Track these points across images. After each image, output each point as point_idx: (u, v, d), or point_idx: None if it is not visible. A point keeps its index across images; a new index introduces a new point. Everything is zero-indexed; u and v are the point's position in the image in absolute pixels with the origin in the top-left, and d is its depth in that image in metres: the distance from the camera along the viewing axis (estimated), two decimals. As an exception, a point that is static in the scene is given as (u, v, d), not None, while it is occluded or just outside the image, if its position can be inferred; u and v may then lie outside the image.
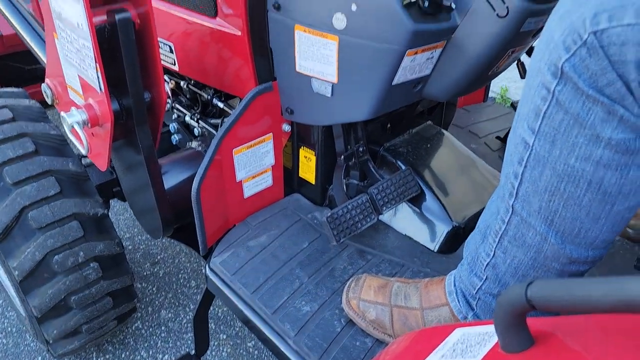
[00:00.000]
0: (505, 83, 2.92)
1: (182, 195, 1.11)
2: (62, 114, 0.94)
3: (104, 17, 0.88)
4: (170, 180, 1.15)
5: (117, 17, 0.85)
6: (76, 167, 1.20)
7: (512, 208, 0.69)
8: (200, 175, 1.02)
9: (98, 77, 0.88)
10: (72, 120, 0.92)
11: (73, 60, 0.93)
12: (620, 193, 0.60)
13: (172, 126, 1.50)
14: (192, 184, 1.03)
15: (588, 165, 0.58)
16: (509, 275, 0.74)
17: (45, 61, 1.26)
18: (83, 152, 0.98)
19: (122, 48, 0.88)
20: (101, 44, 0.86)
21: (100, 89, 0.89)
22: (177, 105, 1.47)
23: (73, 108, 0.94)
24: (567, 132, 0.58)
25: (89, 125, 0.94)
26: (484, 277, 0.78)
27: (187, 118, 1.42)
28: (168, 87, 1.43)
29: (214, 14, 1.09)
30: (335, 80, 0.96)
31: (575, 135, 0.58)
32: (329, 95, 0.98)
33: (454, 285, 0.86)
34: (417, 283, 0.92)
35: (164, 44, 1.25)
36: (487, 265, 0.77)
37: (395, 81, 0.93)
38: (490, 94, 2.90)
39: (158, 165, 1.04)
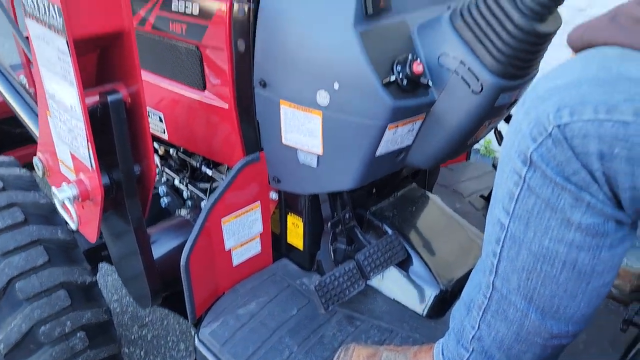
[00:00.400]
0: (489, 135, 2.99)
1: (171, 265, 1.12)
2: (54, 189, 0.96)
3: (97, 98, 0.92)
4: (159, 250, 1.16)
5: (109, 98, 0.89)
6: (65, 235, 1.21)
7: (493, 285, 0.71)
8: (190, 246, 1.03)
9: (90, 155, 0.90)
10: (63, 196, 0.94)
11: (65, 138, 0.96)
12: (594, 272, 0.62)
13: (161, 189, 1.52)
14: (181, 253, 1.04)
15: (562, 246, 0.61)
16: (495, 348, 0.76)
17: (37, 134, 1.29)
18: (73, 227, 0.99)
19: (113, 127, 0.91)
20: (93, 124, 0.89)
21: (92, 166, 0.91)
22: (166, 169, 1.49)
23: (64, 183, 0.95)
24: (540, 215, 0.61)
25: (80, 199, 0.96)
26: (471, 349, 0.79)
27: (176, 182, 1.44)
28: (158, 154, 1.46)
29: (203, 87, 1.13)
30: (320, 152, 0.99)
31: (547, 218, 0.61)
32: (315, 166, 1.01)
33: (442, 354, 0.86)
34: (406, 351, 0.92)
35: (154, 113, 1.29)
36: (472, 337, 0.78)
37: (379, 153, 0.97)
38: (475, 146, 2.96)
39: (147, 235, 1.05)
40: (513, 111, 0.66)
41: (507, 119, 1.20)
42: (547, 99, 0.57)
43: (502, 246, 0.67)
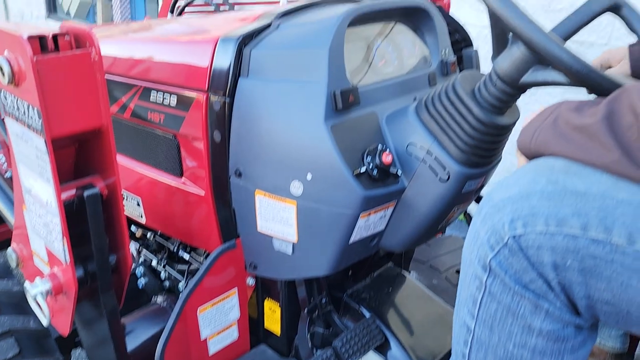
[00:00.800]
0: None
1: (145, 357, 1.09)
2: (26, 284, 0.95)
3: (73, 192, 0.93)
4: (134, 341, 1.14)
5: (85, 193, 0.90)
6: (37, 325, 1.18)
7: None
8: (165, 338, 1.02)
9: (64, 250, 0.90)
10: (35, 291, 0.93)
11: (40, 231, 0.96)
12: None
13: (139, 270, 1.50)
14: (156, 344, 1.03)
15: (525, 352, 0.62)
16: None
17: (11, 222, 1.29)
18: (44, 322, 0.97)
19: (89, 221, 0.91)
20: (69, 217, 0.90)
21: (66, 260, 0.91)
22: (144, 250, 1.49)
23: (37, 278, 0.95)
24: (502, 321, 0.62)
25: (53, 294, 0.95)
26: None
27: (154, 262, 1.44)
28: (135, 236, 1.45)
29: (180, 174, 1.15)
30: (295, 240, 1.01)
31: (510, 324, 0.62)
32: (290, 253, 1.03)
33: None
34: None
35: (132, 197, 1.30)
36: None
37: (352, 240, 0.99)
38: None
39: (121, 326, 1.04)
40: (475, 211, 0.69)
41: (478, 200, 1.24)
42: (502, 208, 0.60)
43: (470, 349, 0.68)
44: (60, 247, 0.91)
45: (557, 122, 0.63)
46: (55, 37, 0.82)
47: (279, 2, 1.78)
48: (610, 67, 1.02)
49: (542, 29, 0.71)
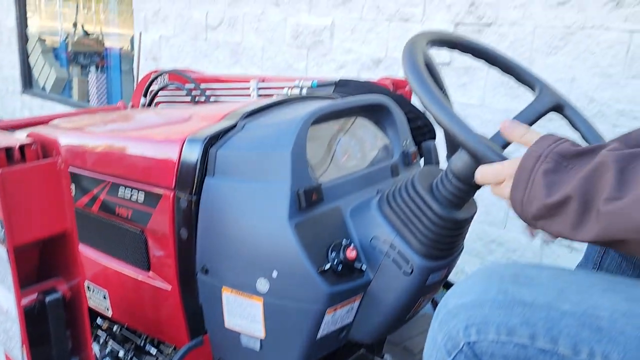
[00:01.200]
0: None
1: None
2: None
3: (35, 296, 0.92)
4: None
5: (47, 299, 0.89)
6: None
7: None
8: None
9: (23, 357, 0.88)
10: (-10, 402, 0.90)
11: (0, 337, 0.94)
12: None
13: (105, 362, 1.46)
14: None
15: None
16: None
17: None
18: None
19: (50, 326, 0.90)
20: (30, 322, 0.88)
21: (25, 368, 0.89)
22: (111, 340, 1.45)
23: (-7, 388, 0.92)
24: None
25: (9, 403, 0.92)
26: None
27: (121, 353, 1.40)
28: (101, 328, 1.42)
29: (147, 269, 1.14)
30: (262, 336, 1.00)
31: None
32: (258, 349, 1.02)
33: None
34: None
35: (98, 290, 1.28)
36: None
37: (320, 335, 0.98)
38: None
39: None
40: (432, 319, 0.71)
41: (447, 286, 1.25)
42: (456, 315, 0.62)
43: None
44: (19, 354, 0.89)
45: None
46: (22, 147, 0.83)
47: (249, 90, 1.85)
48: None
49: (471, 132, 0.75)
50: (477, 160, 0.77)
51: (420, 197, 0.93)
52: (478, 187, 0.89)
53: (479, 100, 2.50)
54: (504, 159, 0.72)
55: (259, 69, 3.33)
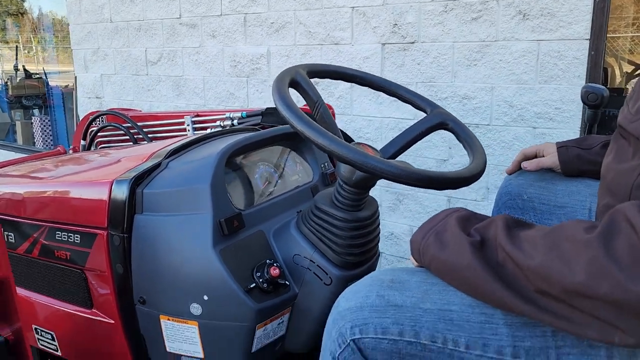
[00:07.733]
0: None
1: None
2: None
3: (-23, 342, 0.97)
4: None
5: (-11, 344, 0.94)
6: None
7: None
8: None
9: (-31, 403, 0.93)
10: None
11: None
12: None
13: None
14: None
15: None
16: None
17: None
18: None
19: (-6, 370, 0.95)
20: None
21: (-29, 413, 0.93)
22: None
23: None
24: None
25: None
26: None
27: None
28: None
29: (90, 306, 1.21)
30: (202, 356, 1.08)
31: None
32: (199, 369, 1.09)
33: None
34: None
35: (46, 332, 1.33)
36: None
37: (254, 348, 1.07)
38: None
39: None
40: (328, 317, 0.82)
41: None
42: (344, 317, 0.74)
43: None
44: (-34, 400, 0.94)
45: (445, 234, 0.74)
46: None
47: (186, 129, 1.93)
48: (543, 156, 1.23)
49: (339, 142, 0.83)
50: (351, 163, 0.85)
51: (324, 212, 1.04)
52: (365, 187, 1.01)
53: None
54: (365, 155, 0.82)
55: (201, 99, 3.42)
